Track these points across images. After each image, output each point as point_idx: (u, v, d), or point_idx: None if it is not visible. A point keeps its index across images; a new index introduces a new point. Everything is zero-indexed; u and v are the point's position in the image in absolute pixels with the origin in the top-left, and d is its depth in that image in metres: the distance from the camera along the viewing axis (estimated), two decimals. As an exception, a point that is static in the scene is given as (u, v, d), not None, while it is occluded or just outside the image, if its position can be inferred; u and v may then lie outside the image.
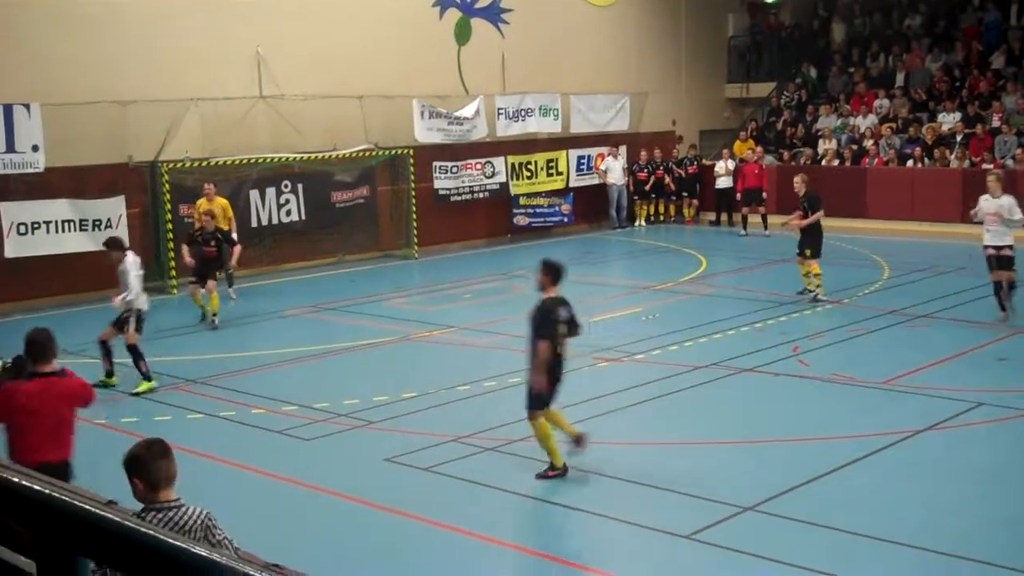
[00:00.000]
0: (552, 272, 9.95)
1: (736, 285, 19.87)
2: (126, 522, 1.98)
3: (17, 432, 7.38)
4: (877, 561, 8.04)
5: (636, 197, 28.64)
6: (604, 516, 8.99)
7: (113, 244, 13.56)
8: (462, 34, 25.74)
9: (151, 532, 1.95)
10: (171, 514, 5.10)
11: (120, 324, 13.27)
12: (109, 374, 13.41)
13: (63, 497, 2.06)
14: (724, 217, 28.17)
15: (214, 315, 16.97)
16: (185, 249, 17.45)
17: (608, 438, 11.12)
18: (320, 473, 10.23)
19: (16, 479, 2.14)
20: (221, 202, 19.02)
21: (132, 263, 13.21)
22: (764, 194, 26.53)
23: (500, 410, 11.98)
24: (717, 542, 8.31)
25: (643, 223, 28.54)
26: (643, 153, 28.66)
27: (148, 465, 5.16)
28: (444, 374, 13.71)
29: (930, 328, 15.76)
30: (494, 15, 26.31)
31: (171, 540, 1.92)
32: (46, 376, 7.51)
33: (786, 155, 28.66)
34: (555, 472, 9.81)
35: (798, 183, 18.46)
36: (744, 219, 26.93)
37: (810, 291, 17.77)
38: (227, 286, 19.07)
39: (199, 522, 5.15)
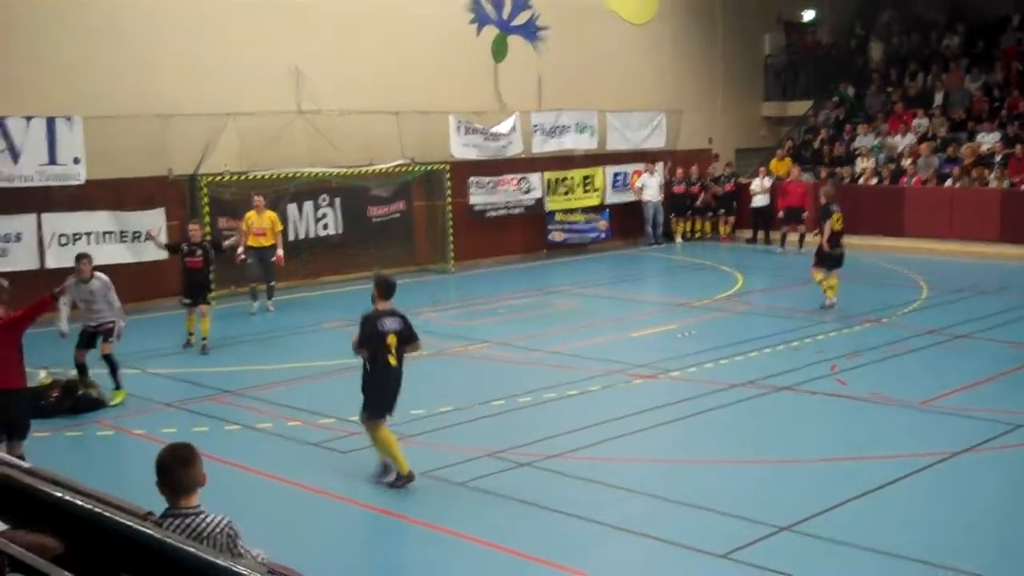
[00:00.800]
0: (381, 287, 10.37)
1: (772, 303, 19.78)
2: (166, 539, 1.99)
3: None
4: (915, 584, 7.97)
5: (673, 214, 28.59)
6: (640, 534, 8.96)
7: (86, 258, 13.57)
8: (499, 51, 25.83)
9: (190, 549, 1.96)
10: (189, 520, 5.07)
11: (91, 340, 13.37)
12: (117, 387, 13.42)
13: (104, 513, 2.08)
14: (760, 235, 28.06)
15: (204, 340, 16.19)
16: (162, 235, 17.35)
17: (643, 455, 11.10)
18: (356, 486, 10.25)
19: (59, 495, 2.17)
20: (270, 215, 19.21)
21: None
22: (805, 213, 26.30)
23: (535, 425, 12.00)
24: (753, 561, 8.25)
25: (680, 240, 28.47)
26: (679, 170, 28.62)
27: (168, 471, 5.15)
28: (479, 389, 13.71)
29: (969, 349, 15.61)
30: (531, 32, 26.39)
31: (210, 558, 1.93)
32: None
33: (823, 173, 28.53)
34: (402, 481, 9.95)
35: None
36: (783, 237, 26.82)
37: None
38: (267, 299, 19.22)
39: (220, 531, 5.12)
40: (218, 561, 2.04)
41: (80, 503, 2.15)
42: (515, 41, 26.10)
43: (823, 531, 8.80)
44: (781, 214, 26.84)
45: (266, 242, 18.96)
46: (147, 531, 2.09)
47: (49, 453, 10.75)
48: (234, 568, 2.04)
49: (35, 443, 11.45)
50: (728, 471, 10.69)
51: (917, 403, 12.63)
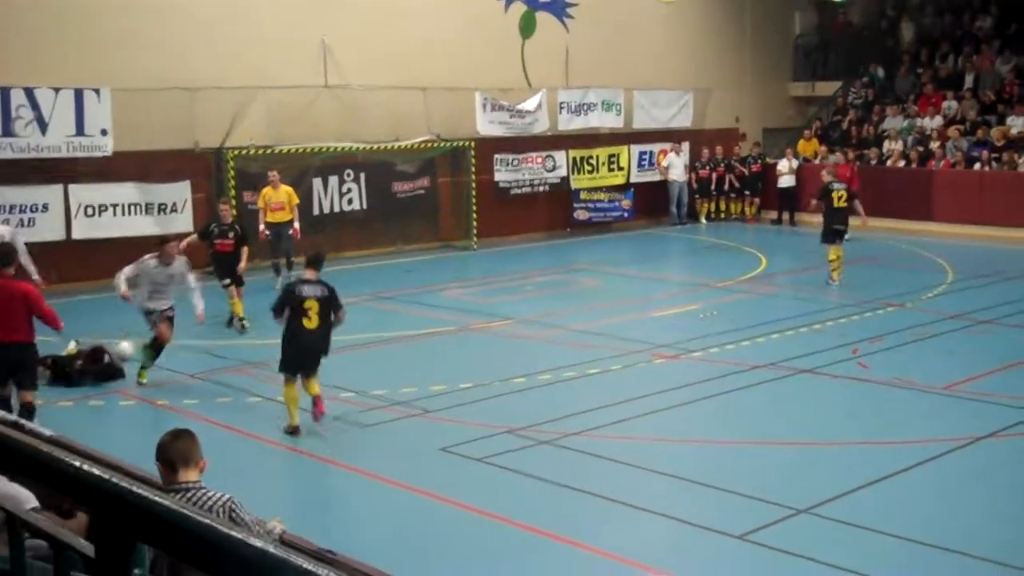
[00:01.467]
0: (309, 259, 11.43)
1: (796, 285, 19.72)
2: (182, 510, 2.02)
3: None
4: (932, 567, 7.97)
5: (698, 195, 28.50)
6: (656, 513, 8.98)
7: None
8: (527, 27, 25.75)
9: (207, 521, 1.98)
10: (191, 494, 5.12)
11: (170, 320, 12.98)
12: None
13: (122, 483, 2.11)
14: (786, 216, 27.91)
15: (242, 320, 15.96)
16: (189, 239, 15.93)
17: (662, 435, 11.12)
18: (375, 460, 10.32)
19: (78, 464, 2.20)
20: (286, 189, 19.07)
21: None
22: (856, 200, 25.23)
23: (555, 403, 12.03)
24: (770, 543, 8.26)
25: (704, 220, 28.37)
26: (704, 151, 28.49)
27: (166, 446, 5.27)
28: (500, 366, 13.74)
29: (993, 334, 15.52)
30: (559, 9, 26.29)
31: (226, 530, 1.96)
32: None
33: (851, 155, 28.32)
34: (289, 430, 10.85)
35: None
36: None
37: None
38: (287, 271, 19.11)
39: (222, 506, 5.16)
40: (233, 533, 2.07)
41: (98, 473, 2.18)
42: (543, 17, 26.00)
43: (841, 514, 8.80)
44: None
45: (283, 217, 18.71)
46: (163, 502, 2.11)
47: (72, 422, 10.86)
48: (248, 540, 2.06)
49: (59, 412, 11.61)
50: (747, 452, 10.68)
51: (939, 388, 12.59)
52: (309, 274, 11.13)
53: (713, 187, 28.54)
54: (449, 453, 10.42)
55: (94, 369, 13.14)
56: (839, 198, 19.13)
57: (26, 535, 2.58)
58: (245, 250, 16.10)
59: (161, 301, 12.81)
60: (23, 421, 6.25)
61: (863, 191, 25.22)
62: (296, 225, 18.70)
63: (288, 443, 10.84)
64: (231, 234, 15.96)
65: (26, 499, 4.16)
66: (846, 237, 19.52)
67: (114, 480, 2.14)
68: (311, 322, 10.87)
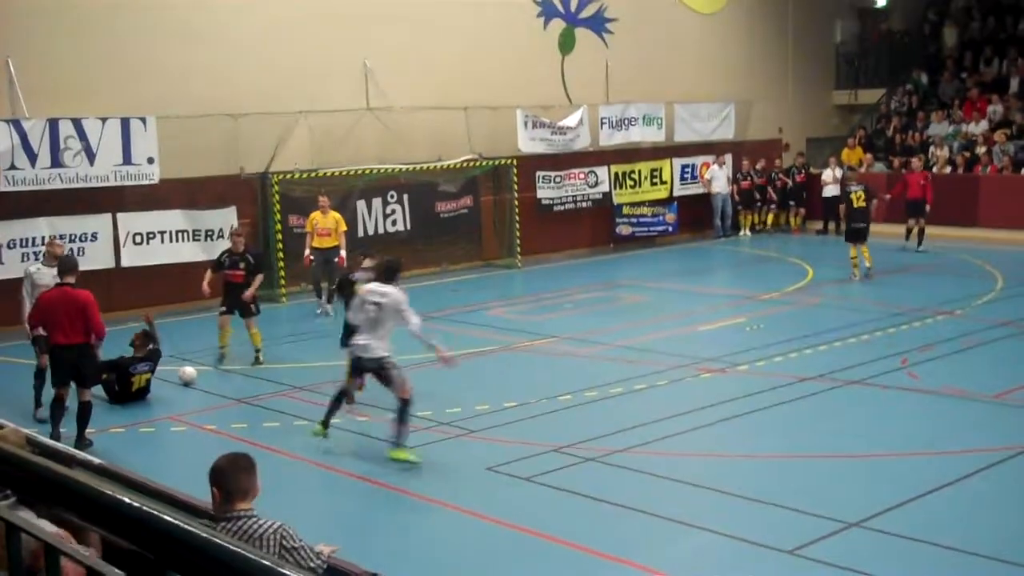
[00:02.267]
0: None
1: (843, 295, 19.54)
2: (214, 539, 2.04)
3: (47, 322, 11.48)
4: (986, 581, 7.85)
5: (740, 206, 28.35)
6: (706, 529, 8.93)
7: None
8: (566, 44, 25.81)
9: (239, 550, 2.00)
10: (241, 523, 5.11)
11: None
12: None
13: (154, 512, 2.13)
14: (832, 226, 27.68)
15: (257, 351, 15.34)
16: (207, 275, 15.68)
17: (710, 450, 11.05)
18: (421, 481, 10.34)
19: (115, 496, 2.23)
20: (334, 216, 19.10)
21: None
22: (928, 206, 24.17)
23: (601, 421, 12.00)
24: (821, 558, 8.18)
25: (747, 232, 28.22)
26: (745, 162, 28.38)
27: (227, 475, 5.20)
28: (545, 384, 13.73)
29: (1045, 341, 15.31)
30: (598, 25, 26.33)
31: (260, 559, 1.97)
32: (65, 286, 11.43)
33: (896, 162, 28.09)
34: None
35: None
36: (908, 232, 24.75)
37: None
38: (326, 301, 18.98)
39: (272, 534, 5.15)
40: (264, 562, 2.08)
41: (129, 502, 2.21)
42: (582, 33, 26.05)
43: (893, 527, 8.70)
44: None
45: (330, 243, 18.76)
46: (195, 531, 2.14)
47: (123, 448, 11.00)
48: (279, 570, 2.07)
49: (110, 438, 11.77)
50: (796, 466, 10.59)
51: (990, 397, 12.42)
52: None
53: (755, 199, 28.39)
54: (496, 472, 10.42)
55: (143, 354, 13.67)
56: (857, 199, 20.83)
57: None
58: (258, 278, 15.54)
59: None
60: (73, 451, 6.35)
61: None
62: (343, 252, 18.65)
63: (333, 465, 10.89)
64: (242, 264, 15.36)
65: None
66: (868, 236, 20.95)
67: (145, 509, 2.17)
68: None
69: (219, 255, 15.90)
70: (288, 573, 2.08)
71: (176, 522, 2.17)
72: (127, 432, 12.23)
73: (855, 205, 20.81)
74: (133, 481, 5.38)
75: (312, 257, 18.90)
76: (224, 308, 15.35)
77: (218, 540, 2.14)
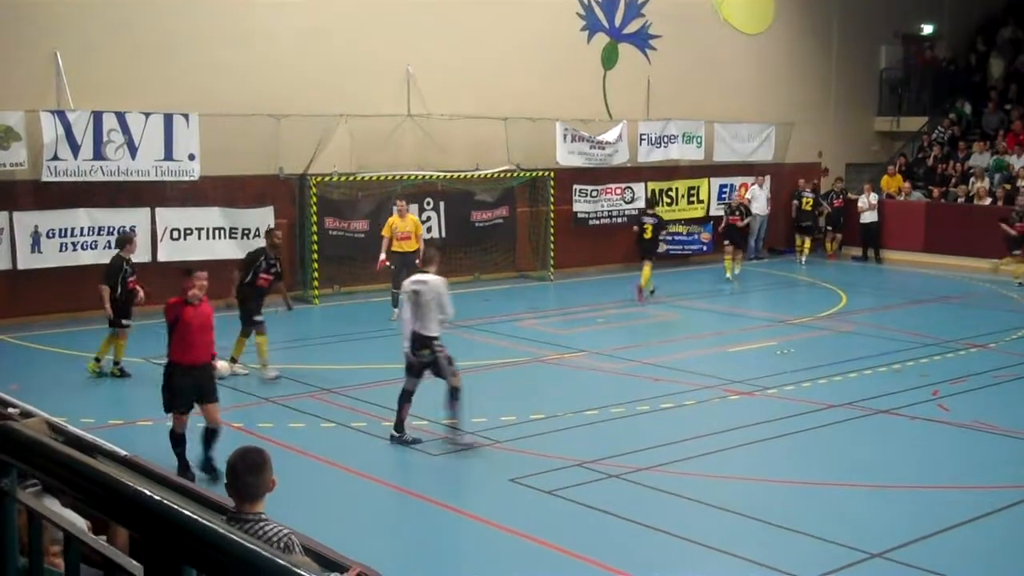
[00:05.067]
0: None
1: (877, 323, 19.38)
2: (230, 535, 2.05)
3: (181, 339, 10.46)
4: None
5: (797, 228, 28.08)
6: (726, 553, 8.88)
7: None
8: (609, 58, 25.81)
9: (256, 548, 2.01)
10: (248, 526, 5.07)
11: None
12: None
13: (172, 506, 2.15)
14: (870, 252, 27.51)
15: (264, 365, 14.59)
16: (235, 275, 14.97)
17: (734, 473, 11.00)
18: (444, 489, 10.36)
19: (131, 489, 2.24)
20: (412, 219, 18.95)
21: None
22: None
23: (626, 437, 11.97)
24: (840, 587, 8.12)
25: (803, 258, 27.50)
26: (801, 181, 28.22)
27: (236, 475, 5.18)
28: (572, 398, 13.71)
29: (1080, 378, 15.12)
30: (642, 40, 26.31)
31: (275, 558, 1.98)
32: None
33: (935, 192, 27.88)
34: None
35: None
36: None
37: None
38: (392, 307, 18.67)
39: (277, 540, 5.08)
40: (279, 560, 2.09)
41: (148, 494, 2.22)
42: (625, 49, 26.04)
43: (917, 560, 8.62)
44: None
45: (410, 247, 18.24)
46: (212, 526, 2.15)
47: (150, 442, 11.07)
48: (295, 570, 2.08)
49: (138, 431, 11.85)
50: (820, 493, 10.52)
51: (1021, 433, 12.28)
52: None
53: (823, 220, 28.21)
54: (518, 484, 10.41)
55: None
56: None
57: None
58: (281, 285, 15.18)
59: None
60: (98, 441, 6.41)
61: (946, 227, 25.01)
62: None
63: (357, 469, 10.92)
64: (274, 269, 14.79)
65: (79, 522, 4.22)
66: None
67: (164, 503, 2.19)
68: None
69: (256, 256, 14.97)
70: (303, 573, 2.09)
71: (194, 516, 2.19)
72: (155, 426, 12.29)
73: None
74: (156, 474, 5.42)
75: (388, 261, 18.47)
76: (260, 317, 14.55)
77: (234, 536, 2.15)
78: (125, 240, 15.29)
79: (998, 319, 19.39)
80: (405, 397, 11.71)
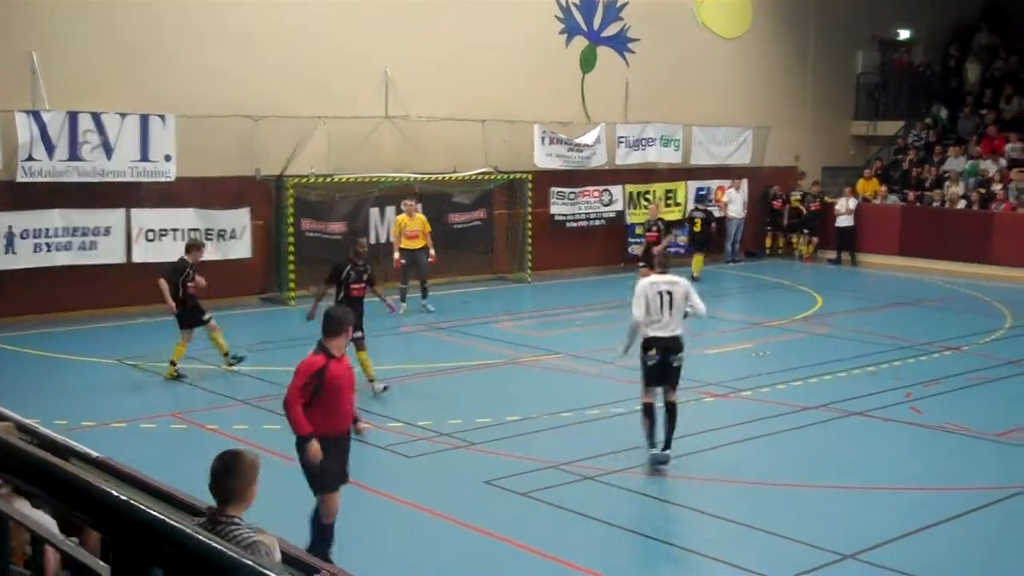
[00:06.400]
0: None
1: (852, 326, 19.48)
2: (198, 535, 2.06)
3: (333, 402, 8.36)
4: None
5: (769, 226, 28.99)
6: (699, 554, 8.93)
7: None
8: (587, 61, 25.86)
9: (225, 549, 2.02)
10: (220, 528, 5.01)
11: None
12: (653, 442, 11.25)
13: (139, 507, 2.15)
14: (845, 256, 27.68)
15: (370, 379, 13.69)
16: (313, 290, 14.23)
17: (709, 475, 11.04)
18: (420, 491, 10.35)
19: (96, 487, 2.25)
20: (420, 218, 20.10)
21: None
22: None
23: (602, 439, 12.00)
24: (812, 588, 8.18)
25: (767, 252, 28.71)
26: (776, 187, 28.67)
27: (216, 478, 5.18)
28: (548, 400, 13.74)
29: (1052, 381, 15.26)
30: (620, 44, 26.38)
31: (243, 559, 1.99)
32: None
33: (911, 196, 28.06)
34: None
35: None
36: None
37: None
38: (422, 298, 19.91)
39: (247, 546, 5.02)
40: (246, 560, 2.10)
41: (116, 495, 2.23)
42: (604, 52, 26.10)
43: (889, 561, 8.68)
44: None
45: (418, 244, 19.75)
46: (181, 527, 2.16)
47: (122, 443, 11.03)
48: (261, 569, 2.09)
49: (111, 433, 11.81)
50: (794, 495, 10.58)
51: (993, 435, 12.39)
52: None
53: (785, 220, 28.82)
54: (493, 486, 10.42)
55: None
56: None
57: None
58: (376, 288, 14.20)
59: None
60: (71, 443, 6.39)
61: (921, 231, 25.24)
62: (432, 251, 19.83)
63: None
64: (365, 276, 13.78)
65: (49, 523, 4.21)
66: None
67: (130, 503, 2.19)
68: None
69: (342, 267, 13.69)
70: (269, 573, 2.09)
71: (160, 517, 2.19)
72: (128, 427, 12.27)
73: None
74: (127, 476, 5.40)
75: (402, 260, 19.65)
76: (359, 334, 13.08)
77: (201, 537, 2.15)
78: (193, 246, 15.30)
79: (972, 322, 19.53)
80: (649, 412, 11.11)
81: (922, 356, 16.69)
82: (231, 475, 5.19)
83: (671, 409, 11.04)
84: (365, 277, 13.74)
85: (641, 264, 20.75)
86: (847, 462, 11.55)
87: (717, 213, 27.69)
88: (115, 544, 2.27)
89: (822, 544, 8.99)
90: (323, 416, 8.21)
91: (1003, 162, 27.53)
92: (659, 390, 11.15)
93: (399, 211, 22.31)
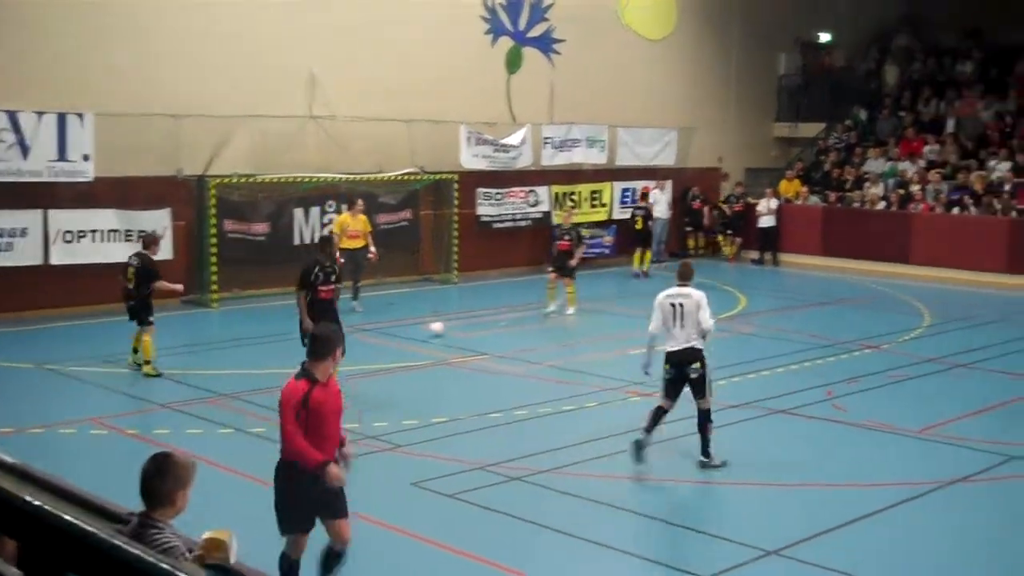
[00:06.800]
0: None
1: (775, 325, 19.73)
2: (112, 540, 1.99)
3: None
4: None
5: (689, 227, 29.35)
6: (627, 552, 8.94)
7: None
8: (513, 62, 25.88)
9: (140, 553, 1.96)
10: (143, 531, 4.82)
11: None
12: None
13: (52, 512, 2.08)
14: (768, 256, 28.03)
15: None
16: (302, 298, 13.38)
17: (635, 474, 11.07)
18: (345, 494, 10.22)
19: (7, 492, 2.17)
20: (363, 218, 20.26)
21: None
22: None
23: (529, 440, 12.00)
24: (738, 585, 8.23)
25: (690, 253, 28.70)
26: (696, 188, 29.03)
27: (143, 480, 5.04)
28: (475, 401, 13.70)
29: (968, 378, 15.57)
30: (546, 45, 26.43)
31: (159, 563, 1.93)
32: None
33: (832, 197, 28.49)
34: None
35: None
36: None
37: None
38: (352, 298, 19.80)
39: (167, 551, 4.85)
40: (163, 564, 2.04)
41: (28, 500, 2.15)
42: (530, 53, 26.14)
43: (812, 556, 8.78)
44: None
45: (359, 244, 19.92)
46: (95, 532, 2.09)
47: (41, 449, 10.78)
48: (177, 571, 2.03)
49: (30, 439, 11.52)
50: (718, 492, 10.68)
51: (915, 431, 12.60)
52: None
53: (706, 221, 29.24)
54: (420, 488, 10.36)
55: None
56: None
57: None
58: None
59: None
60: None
61: (842, 231, 25.71)
62: (373, 249, 19.95)
63: (255, 476, 10.74)
64: (334, 277, 13.62)
65: None
66: None
67: (43, 508, 2.12)
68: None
69: (311, 268, 13.48)
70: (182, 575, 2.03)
71: (74, 522, 2.12)
72: (47, 433, 11.99)
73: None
74: (45, 482, 5.24)
75: (342, 259, 18.42)
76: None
77: (117, 542, 2.09)
78: (150, 240, 15.40)
79: (892, 321, 19.87)
80: (657, 412, 11.28)
81: (843, 354, 16.93)
82: (159, 477, 5.04)
83: (702, 416, 11.16)
84: (334, 278, 13.51)
85: (550, 269, 20.90)
86: (772, 459, 11.67)
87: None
88: (27, 550, 2.19)
89: (746, 540, 9.07)
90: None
91: (921, 163, 28.07)
92: (677, 400, 11.28)
93: (324, 212, 22.23)
